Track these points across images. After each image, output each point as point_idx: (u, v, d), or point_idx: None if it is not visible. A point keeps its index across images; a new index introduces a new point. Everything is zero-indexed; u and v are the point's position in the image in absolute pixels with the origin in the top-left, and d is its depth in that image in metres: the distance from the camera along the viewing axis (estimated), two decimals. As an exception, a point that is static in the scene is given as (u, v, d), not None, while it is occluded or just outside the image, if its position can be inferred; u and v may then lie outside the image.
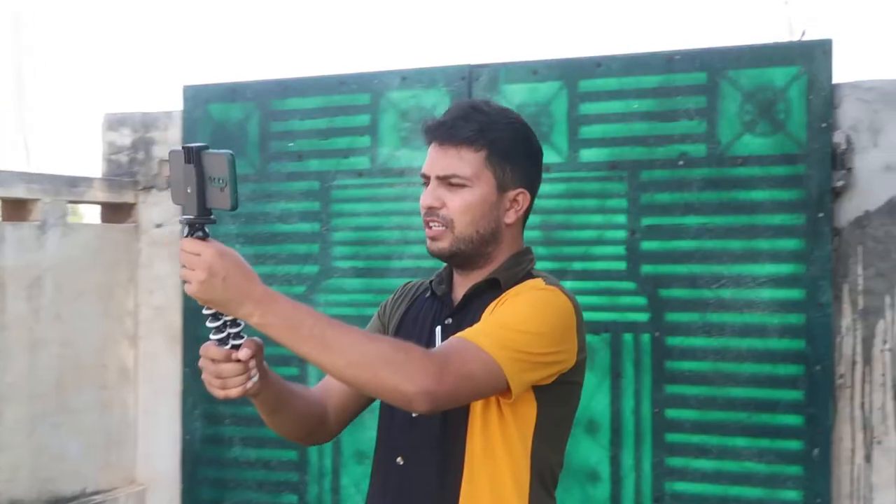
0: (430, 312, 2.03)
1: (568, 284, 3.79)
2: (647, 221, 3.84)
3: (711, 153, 3.75)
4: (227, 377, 1.75)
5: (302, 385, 2.10)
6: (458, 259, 1.98)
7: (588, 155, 3.92)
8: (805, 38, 4.07)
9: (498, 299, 1.89)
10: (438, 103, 4.11)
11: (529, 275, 1.99)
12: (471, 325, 1.87)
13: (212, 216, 1.71)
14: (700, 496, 3.77)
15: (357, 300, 4.22)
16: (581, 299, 3.77)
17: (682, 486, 3.80)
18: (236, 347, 1.73)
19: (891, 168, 3.59)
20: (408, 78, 4.18)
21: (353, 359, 1.67)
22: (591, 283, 3.90)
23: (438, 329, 1.98)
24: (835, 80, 3.62)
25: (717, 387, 3.74)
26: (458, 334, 1.80)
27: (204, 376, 1.78)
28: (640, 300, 3.83)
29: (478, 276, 1.98)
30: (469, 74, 4.08)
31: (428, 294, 2.08)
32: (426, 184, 1.99)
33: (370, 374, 1.67)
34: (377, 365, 1.66)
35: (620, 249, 3.88)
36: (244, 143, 4.41)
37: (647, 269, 3.84)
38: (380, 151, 4.20)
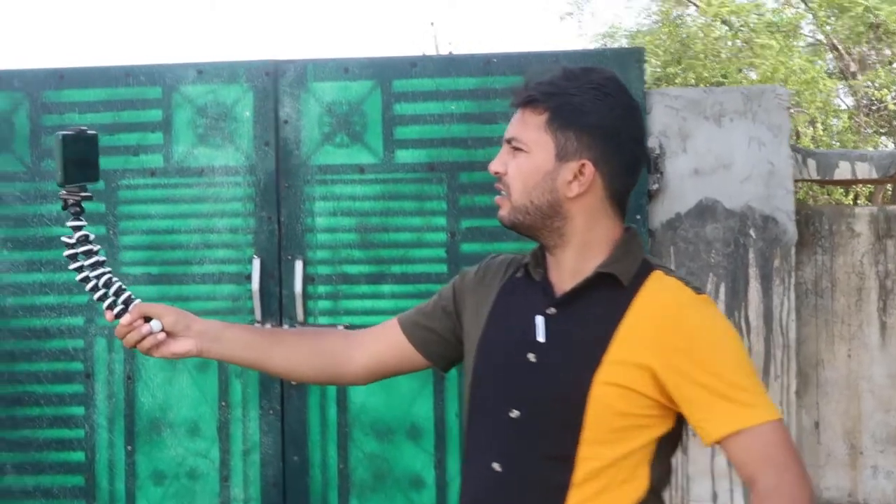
0: (527, 298, 1.86)
1: (386, 288, 3.80)
2: (466, 224, 3.81)
3: (530, 156, 3.77)
4: (132, 341, 1.91)
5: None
6: (521, 231, 1.83)
7: (404, 156, 3.84)
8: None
9: (688, 351, 1.73)
10: (240, 99, 3.89)
11: (648, 265, 1.83)
12: (579, 322, 1.77)
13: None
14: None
15: (149, 309, 3.90)
16: (402, 303, 3.75)
17: (504, 490, 3.76)
18: (120, 314, 1.90)
19: (699, 172, 3.75)
20: (205, 72, 3.92)
21: None
22: (411, 286, 3.81)
23: (540, 319, 1.80)
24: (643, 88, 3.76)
25: (537, 389, 3.74)
26: (735, 424, 1.71)
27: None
28: (460, 303, 3.78)
29: (563, 258, 1.82)
30: (274, 70, 3.89)
31: (520, 274, 1.90)
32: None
33: None
34: None
35: (440, 252, 3.82)
36: (10, 138, 3.98)
37: (466, 271, 3.79)
38: (174, 149, 3.92)
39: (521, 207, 1.80)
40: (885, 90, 16.06)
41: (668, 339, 1.73)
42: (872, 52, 17.98)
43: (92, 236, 1.95)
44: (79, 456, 3.96)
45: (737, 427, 1.70)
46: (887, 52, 18.48)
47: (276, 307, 3.85)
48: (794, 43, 16.39)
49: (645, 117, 3.72)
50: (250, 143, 3.88)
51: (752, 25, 16.04)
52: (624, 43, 20.05)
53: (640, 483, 1.77)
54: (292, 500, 3.89)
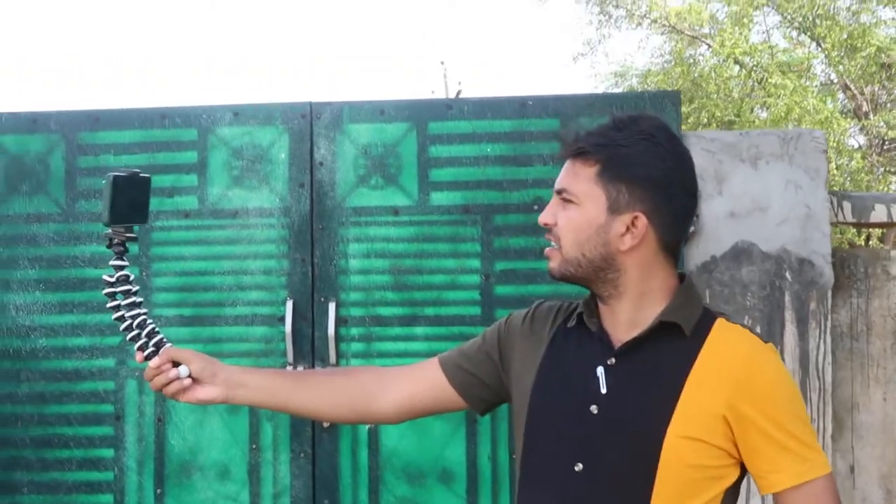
0: (582, 348, 1.85)
1: (420, 331, 3.79)
2: (500, 266, 3.80)
3: (565, 198, 3.77)
4: (159, 385, 1.96)
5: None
6: (571, 282, 1.83)
7: (439, 198, 3.83)
8: (459, 95, 4.23)
9: (752, 403, 1.74)
10: (275, 141, 3.89)
11: (710, 313, 1.84)
12: (643, 373, 1.77)
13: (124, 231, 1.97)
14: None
15: (182, 351, 3.89)
16: (435, 346, 3.73)
17: (540, 535, 3.73)
18: (150, 357, 1.97)
19: (734, 215, 3.74)
20: (240, 114, 3.93)
21: None
22: (444, 328, 3.80)
23: (601, 370, 1.80)
24: (681, 130, 3.77)
25: (572, 432, 3.72)
26: (798, 478, 1.74)
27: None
28: (494, 346, 3.76)
29: (619, 308, 1.82)
30: (310, 112, 3.90)
31: (572, 323, 1.89)
32: None
33: None
34: None
35: (474, 294, 3.81)
36: (46, 180, 3.99)
37: (501, 313, 3.77)
38: (209, 191, 3.92)
39: (573, 260, 1.80)
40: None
41: (739, 389, 1.73)
42: (883, 92, 18.06)
43: (132, 277, 2.01)
44: (108, 499, 3.93)
45: (799, 481, 1.72)
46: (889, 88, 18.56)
47: (309, 349, 3.84)
48: (807, 83, 16.45)
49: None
50: (285, 185, 3.89)
51: (764, 65, 16.10)
52: (635, 82, 20.17)
53: None
54: (324, 544, 3.86)
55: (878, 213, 3.85)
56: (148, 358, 1.97)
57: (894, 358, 3.83)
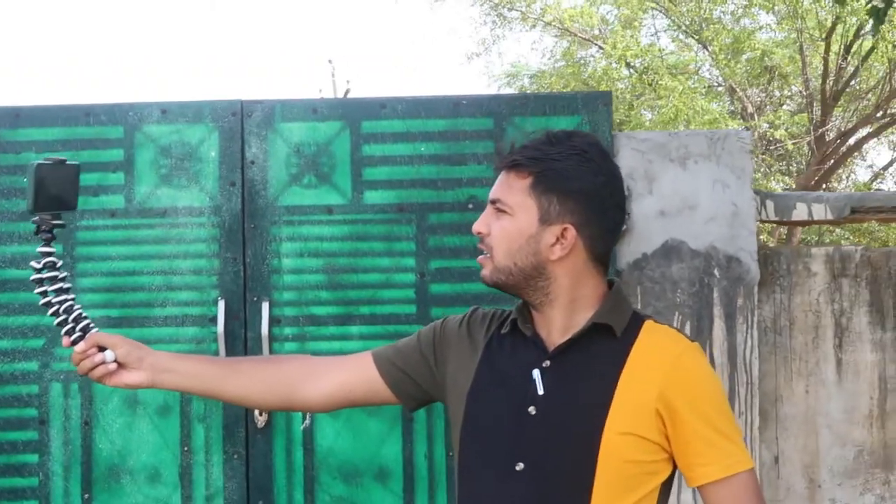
0: (517, 352, 1.90)
1: (355, 329, 3.79)
2: (436, 264, 3.81)
3: (500, 197, 3.79)
4: (85, 369, 1.97)
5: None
6: (504, 290, 1.88)
7: (373, 197, 3.82)
8: (349, 96, 4.27)
9: (682, 395, 1.81)
10: (204, 139, 3.84)
11: (638, 315, 1.90)
12: (577, 374, 1.83)
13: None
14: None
15: (109, 353, 3.80)
16: (370, 343, 3.71)
17: (477, 532, 3.75)
18: (77, 342, 1.99)
19: (664, 213, 3.82)
20: (169, 111, 3.86)
21: None
22: (380, 327, 3.79)
23: (537, 373, 1.85)
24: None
25: (508, 429, 3.74)
26: (722, 472, 1.80)
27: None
28: (430, 344, 3.76)
29: (552, 315, 1.87)
30: (241, 110, 3.85)
31: (506, 330, 1.94)
32: None
33: None
34: None
35: (409, 293, 3.81)
36: (-37, 178, 3.87)
37: (436, 311, 3.78)
38: (136, 189, 3.84)
39: (505, 268, 1.85)
40: (783, 130, 16.58)
41: (669, 383, 1.80)
42: (764, 95, 18.58)
43: (59, 263, 2.03)
44: (32, 505, 3.83)
45: (725, 474, 1.79)
46: (777, 93, 19.12)
47: (242, 349, 3.79)
48: (695, 85, 16.83)
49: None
50: (215, 184, 3.83)
51: (654, 68, 16.42)
52: (526, 83, 20.42)
53: None
54: (257, 546, 3.82)
55: (800, 212, 3.97)
56: (74, 343, 1.99)
57: (815, 352, 3.95)
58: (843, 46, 16.27)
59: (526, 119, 3.81)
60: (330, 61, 22.83)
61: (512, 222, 1.84)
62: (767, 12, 17.04)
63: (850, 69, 16.73)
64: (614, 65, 16.92)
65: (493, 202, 1.88)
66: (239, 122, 3.85)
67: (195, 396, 3.79)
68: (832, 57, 16.29)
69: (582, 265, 1.86)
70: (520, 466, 1.81)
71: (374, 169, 3.84)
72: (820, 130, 16.35)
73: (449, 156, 3.83)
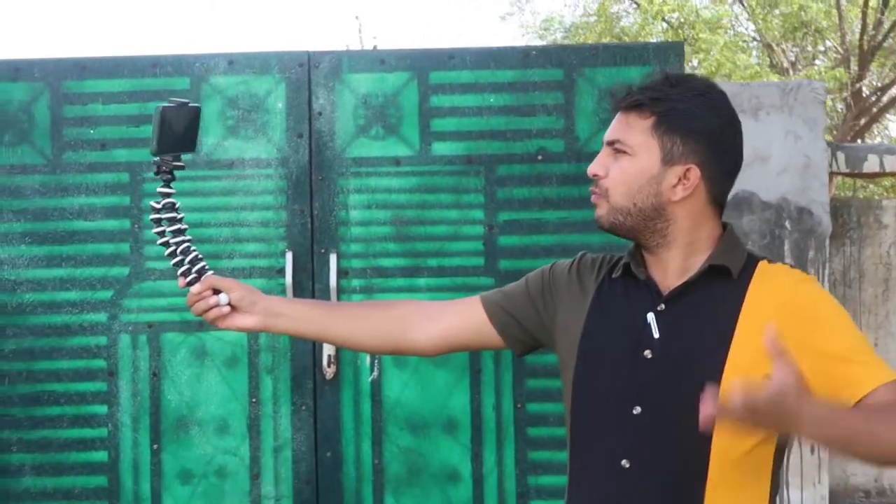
0: (630, 296, 1.88)
1: (422, 282, 3.78)
2: (504, 216, 3.79)
3: (569, 149, 3.77)
4: (199, 310, 2.01)
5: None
6: (619, 232, 1.86)
7: (441, 148, 3.80)
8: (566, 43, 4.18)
9: (795, 317, 1.75)
10: (271, 91, 3.82)
11: (753, 257, 1.88)
12: (693, 317, 1.80)
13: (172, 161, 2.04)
14: (565, 488, 3.74)
15: (177, 304, 3.79)
16: (438, 296, 3.73)
17: (546, 480, 3.77)
18: (192, 283, 2.01)
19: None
20: (235, 62, 3.84)
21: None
22: (448, 279, 3.79)
23: (651, 316, 1.83)
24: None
25: (577, 381, 3.73)
26: (872, 383, 1.70)
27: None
28: (499, 297, 3.75)
29: (667, 257, 1.85)
30: (308, 61, 3.83)
31: (617, 274, 1.92)
32: None
33: None
34: None
35: (478, 245, 3.79)
36: (30, 130, 3.85)
37: (505, 264, 3.77)
38: (204, 141, 3.82)
39: (623, 209, 1.83)
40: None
41: (791, 317, 1.75)
42: (797, 49, 18.39)
43: (178, 204, 2.07)
44: (102, 455, 3.85)
45: (874, 385, 1.70)
46: (810, 49, 18.92)
47: (309, 302, 3.79)
48: (733, 38, 16.67)
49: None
50: (282, 136, 3.82)
51: (690, 22, 16.26)
52: (559, 37, 20.27)
53: (765, 481, 1.80)
54: (325, 496, 3.84)
55: (871, 164, 3.92)
56: (190, 284, 2.02)
57: (885, 304, 3.93)
58: (881, 1, 16.08)
59: (596, 70, 3.77)
60: (357, 17, 22.69)
61: (633, 162, 1.81)
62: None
63: (888, 24, 16.53)
64: (650, 20, 16.75)
65: (611, 143, 1.85)
66: (306, 74, 3.82)
67: (262, 348, 3.82)
68: (870, 11, 16.09)
69: (702, 206, 1.84)
70: (637, 410, 1.80)
71: (443, 120, 3.81)
72: (857, 86, 16.18)
73: (518, 107, 3.80)
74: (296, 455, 3.83)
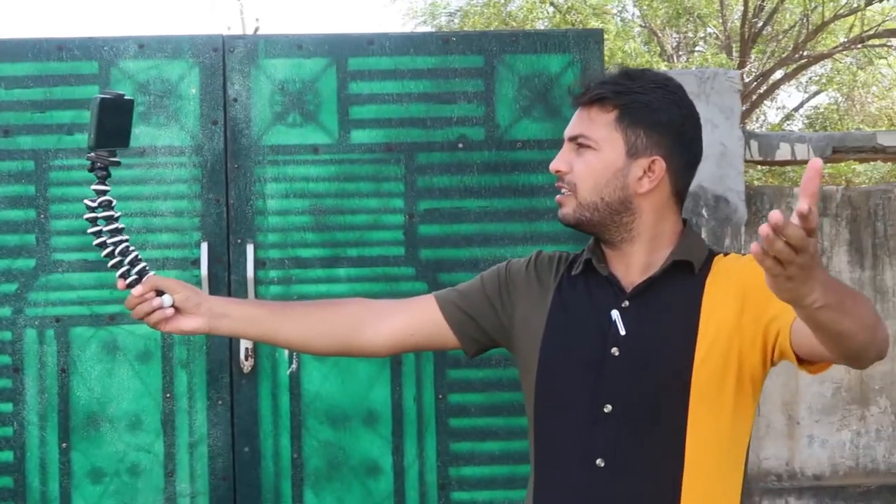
0: (592, 294, 1.86)
1: (342, 272, 3.72)
2: (424, 205, 3.74)
3: (490, 136, 3.74)
4: (141, 313, 1.89)
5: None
6: (584, 227, 1.83)
7: (360, 136, 3.73)
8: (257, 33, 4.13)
9: (744, 294, 1.75)
10: (184, 76, 3.70)
11: (711, 251, 1.88)
12: (657, 312, 1.79)
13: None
14: (487, 478, 3.75)
15: (88, 297, 3.67)
16: (358, 287, 3.68)
17: (468, 471, 3.75)
18: (132, 285, 1.89)
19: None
20: (146, 46, 3.71)
21: (864, 322, 1.53)
22: (368, 269, 3.73)
23: (616, 313, 1.81)
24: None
25: (500, 368, 3.72)
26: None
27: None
28: (420, 286, 3.70)
29: (631, 252, 1.84)
30: (223, 45, 3.72)
31: (577, 271, 1.89)
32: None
33: (871, 335, 1.56)
34: (876, 322, 1.57)
35: (398, 234, 3.74)
36: (-75, 116, 3.68)
37: (426, 253, 3.73)
38: (113, 128, 3.69)
39: (590, 204, 1.81)
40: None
41: (747, 298, 1.76)
42: (679, 35, 18.73)
43: (114, 202, 1.96)
44: (6, 455, 3.70)
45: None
46: (691, 35, 19.29)
47: (225, 293, 3.69)
48: (622, 26, 16.90)
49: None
50: (196, 122, 3.71)
51: (577, 7, 16.43)
52: (443, 21, 20.29)
53: (740, 469, 1.81)
54: (243, 492, 3.75)
55: (783, 152, 3.99)
56: (130, 286, 1.90)
57: (797, 291, 4.00)
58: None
59: (517, 57, 3.74)
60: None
61: (598, 157, 1.79)
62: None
63: (768, 11, 16.96)
64: (538, 4, 16.86)
65: (574, 138, 1.82)
66: (220, 59, 3.71)
67: (176, 341, 3.71)
68: (751, -1, 16.48)
69: (665, 199, 1.83)
70: (608, 408, 1.77)
71: (362, 107, 3.74)
72: (740, 72, 16.57)
73: (438, 94, 3.75)
74: (212, 451, 3.73)
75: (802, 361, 1.72)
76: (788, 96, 18.82)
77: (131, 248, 1.92)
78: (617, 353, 1.79)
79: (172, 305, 1.90)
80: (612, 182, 1.79)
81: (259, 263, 3.70)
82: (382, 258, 3.75)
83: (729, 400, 1.76)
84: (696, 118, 1.87)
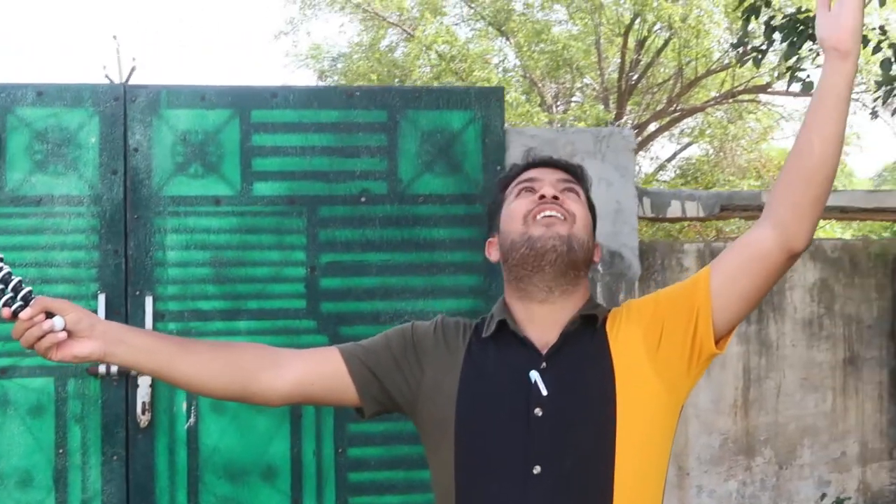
0: (506, 355, 1.89)
1: (242, 325, 3.71)
2: (326, 258, 3.75)
3: (393, 191, 3.77)
4: (31, 339, 1.74)
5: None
6: (572, 256, 1.86)
7: (263, 188, 3.73)
8: (133, 72, 4.14)
9: (644, 323, 1.89)
10: (84, 124, 3.65)
11: (606, 308, 1.98)
12: (573, 368, 1.85)
13: None
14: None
15: (-21, 350, 3.57)
16: (258, 339, 3.66)
17: (368, 526, 3.73)
18: (19, 309, 1.74)
19: (552, 210, 3.89)
20: (45, 93, 3.65)
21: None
22: (269, 322, 3.71)
23: (535, 374, 1.84)
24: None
25: (400, 422, 3.69)
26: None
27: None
28: (321, 339, 3.70)
29: (553, 309, 1.89)
30: (124, 94, 3.68)
31: (487, 334, 1.92)
32: (529, 190, 1.93)
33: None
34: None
35: (299, 287, 3.74)
36: None
37: (327, 306, 3.73)
38: (9, 176, 3.61)
39: (581, 241, 1.89)
40: (583, 122, 17.14)
41: (652, 323, 1.88)
42: (557, 86, 19.13)
43: None
44: None
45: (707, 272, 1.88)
46: (569, 86, 19.71)
47: (122, 346, 3.62)
48: (504, 76, 17.18)
49: (504, 154, 3.82)
50: (95, 172, 3.65)
51: (462, 56, 16.65)
52: (326, 65, 20.36)
53: (662, 496, 1.89)
54: (137, 549, 3.68)
55: (674, 209, 4.12)
56: (16, 314, 1.75)
57: (687, 344, 4.12)
58: (637, 42, 16.97)
59: (420, 112, 3.79)
60: (115, 37, 22.02)
61: (584, 209, 1.94)
62: (566, 6, 17.53)
63: (644, 65, 17.46)
64: (424, 51, 17.03)
65: (566, 181, 1.95)
66: (122, 108, 3.68)
67: (71, 395, 3.63)
68: (628, 52, 16.95)
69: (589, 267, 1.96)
70: (537, 470, 1.80)
71: (265, 160, 3.74)
72: (617, 124, 16.97)
73: (341, 148, 3.77)
74: (106, 507, 3.65)
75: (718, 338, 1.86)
76: (662, 147, 19.34)
77: (13, 276, 1.77)
78: (540, 414, 1.82)
79: (65, 329, 1.76)
80: (591, 235, 1.95)
81: (158, 315, 3.65)
82: (283, 311, 3.73)
83: (655, 436, 1.84)
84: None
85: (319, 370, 1.96)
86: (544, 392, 1.83)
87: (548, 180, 1.92)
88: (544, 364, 1.85)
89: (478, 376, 1.89)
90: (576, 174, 1.98)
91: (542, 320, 1.89)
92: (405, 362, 1.95)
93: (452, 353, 1.93)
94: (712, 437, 4.19)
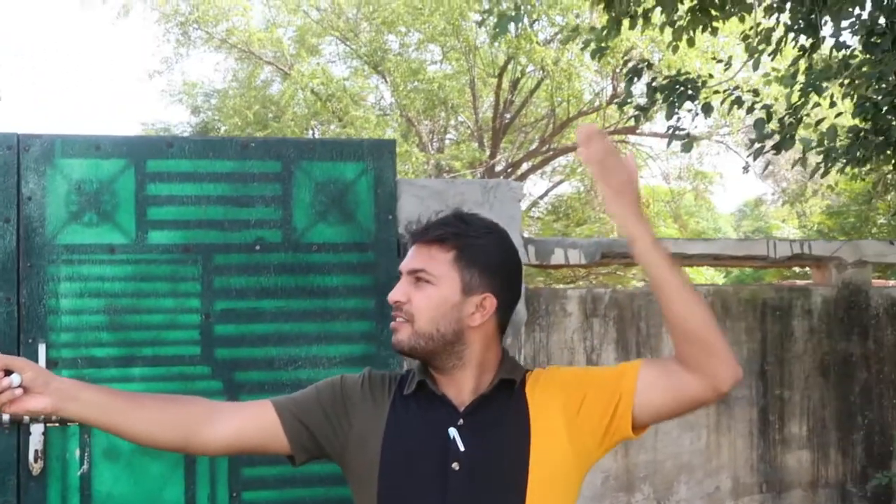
0: (427, 412, 2.01)
1: (137, 371, 3.75)
2: (221, 305, 3.81)
3: (287, 239, 3.85)
4: None
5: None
6: (418, 354, 2.00)
7: (158, 237, 3.77)
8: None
9: (566, 393, 2.03)
10: (-25, 173, 3.65)
11: (524, 370, 2.10)
12: (490, 426, 1.97)
13: None
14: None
15: None
16: (153, 386, 3.71)
17: (264, 571, 3.78)
18: None
19: (441, 258, 4.02)
20: (-65, 142, 3.65)
21: (705, 317, 1.95)
22: (163, 368, 3.75)
23: (453, 430, 1.97)
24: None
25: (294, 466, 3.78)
26: (640, 362, 2.03)
27: None
28: (216, 384, 3.76)
29: (461, 376, 2.02)
30: (17, 143, 3.69)
31: (409, 391, 2.04)
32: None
33: (716, 336, 1.94)
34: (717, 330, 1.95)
35: (194, 334, 3.79)
36: None
37: (222, 352, 3.79)
38: None
39: (426, 334, 2.00)
40: (459, 161, 17.41)
41: (568, 392, 2.02)
42: (432, 124, 19.40)
43: None
44: None
45: (635, 366, 2.03)
46: (443, 124, 20.01)
47: (14, 394, 3.61)
48: (383, 115, 17.35)
49: (395, 204, 3.94)
50: (-12, 220, 3.65)
51: (338, 96, 16.76)
52: (200, 101, 20.25)
53: None
54: None
55: (557, 256, 4.30)
56: None
57: (569, 385, 4.28)
58: (511, 83, 17.35)
59: (314, 163, 3.89)
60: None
61: (437, 291, 1.98)
62: (441, 46, 17.81)
63: (517, 105, 17.85)
64: (299, 90, 17.08)
65: (414, 272, 2.00)
66: (15, 157, 3.69)
67: (-41, 444, 3.60)
68: (502, 93, 17.32)
69: (492, 331, 2.04)
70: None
71: (160, 209, 3.79)
72: (491, 162, 17.28)
73: (237, 197, 3.85)
74: (-5, 557, 3.62)
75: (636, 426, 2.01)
76: (534, 185, 19.73)
77: None
78: (458, 468, 1.95)
79: (21, 385, 1.88)
80: (448, 315, 1.98)
81: (51, 363, 3.65)
82: (178, 357, 3.77)
83: (562, 494, 1.98)
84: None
85: (254, 423, 2.08)
86: (462, 448, 1.96)
87: (406, 272, 2.03)
88: (461, 421, 1.99)
89: (400, 431, 2.02)
90: (444, 239, 2.01)
91: (458, 383, 2.03)
92: (333, 413, 2.08)
93: (378, 407, 2.06)
94: (595, 475, 4.35)
